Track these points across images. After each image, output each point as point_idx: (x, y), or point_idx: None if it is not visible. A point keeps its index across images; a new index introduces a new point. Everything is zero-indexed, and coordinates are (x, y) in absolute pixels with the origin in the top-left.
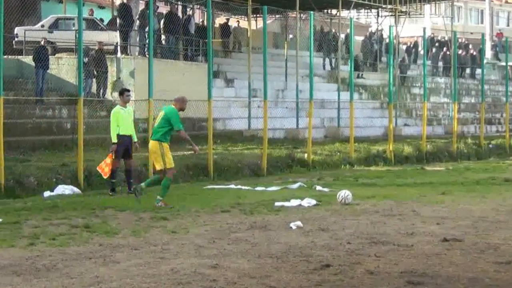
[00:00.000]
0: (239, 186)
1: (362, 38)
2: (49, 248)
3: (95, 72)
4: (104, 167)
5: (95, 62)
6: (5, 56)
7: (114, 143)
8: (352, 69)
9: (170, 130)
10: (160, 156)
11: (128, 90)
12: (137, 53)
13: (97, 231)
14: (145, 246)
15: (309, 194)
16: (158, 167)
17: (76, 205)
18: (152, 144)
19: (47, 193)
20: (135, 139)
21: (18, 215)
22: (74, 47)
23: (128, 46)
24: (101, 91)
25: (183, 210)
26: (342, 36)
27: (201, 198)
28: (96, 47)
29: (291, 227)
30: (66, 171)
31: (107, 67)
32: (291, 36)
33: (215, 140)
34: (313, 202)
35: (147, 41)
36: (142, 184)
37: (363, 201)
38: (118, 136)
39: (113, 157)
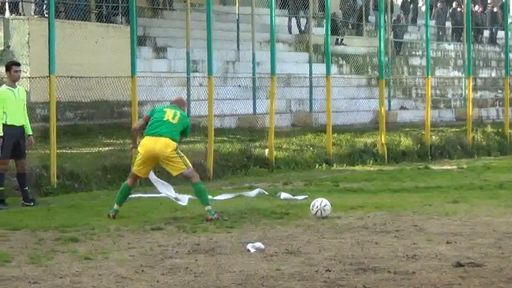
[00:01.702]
0: (176, 195)
1: None
2: None
3: None
4: None
5: None
6: None
7: None
8: (329, 32)
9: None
10: (180, 158)
11: (18, 64)
12: (32, 13)
13: None
14: (48, 278)
15: (272, 204)
16: (176, 172)
17: None
18: (168, 143)
19: None
20: (30, 132)
21: None
22: None
23: (20, 3)
24: None
25: (99, 228)
26: None
27: (123, 211)
28: None
29: (248, 250)
30: None
31: None
32: None
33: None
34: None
35: None
36: (116, 207)
37: (346, 214)
38: (6, 127)
39: None
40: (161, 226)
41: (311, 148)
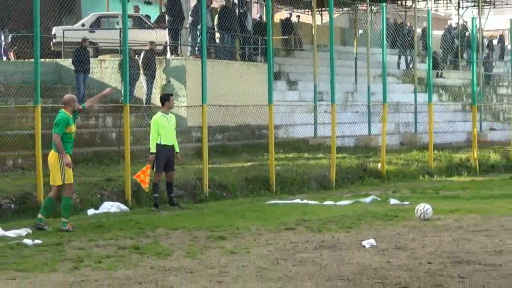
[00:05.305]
0: (305, 201)
1: (441, 32)
2: (95, 272)
3: (143, 75)
4: (142, 176)
5: (145, 64)
6: (42, 60)
7: (152, 153)
8: (431, 67)
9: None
10: (59, 169)
11: (172, 95)
12: (188, 54)
13: (147, 252)
14: (201, 269)
15: (383, 208)
16: (57, 182)
17: (123, 224)
18: (50, 155)
19: (91, 211)
20: (177, 150)
21: (60, 236)
22: (118, 47)
23: (179, 46)
24: (146, 96)
25: (242, 228)
26: (419, 30)
27: (262, 214)
28: (147, 47)
29: (364, 246)
30: (112, 187)
31: (155, 69)
32: (361, 31)
33: (277, 150)
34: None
35: (199, 39)
36: (40, 216)
37: (444, 216)
38: (159, 146)
39: (154, 169)
40: (292, 227)
41: (416, 163)
